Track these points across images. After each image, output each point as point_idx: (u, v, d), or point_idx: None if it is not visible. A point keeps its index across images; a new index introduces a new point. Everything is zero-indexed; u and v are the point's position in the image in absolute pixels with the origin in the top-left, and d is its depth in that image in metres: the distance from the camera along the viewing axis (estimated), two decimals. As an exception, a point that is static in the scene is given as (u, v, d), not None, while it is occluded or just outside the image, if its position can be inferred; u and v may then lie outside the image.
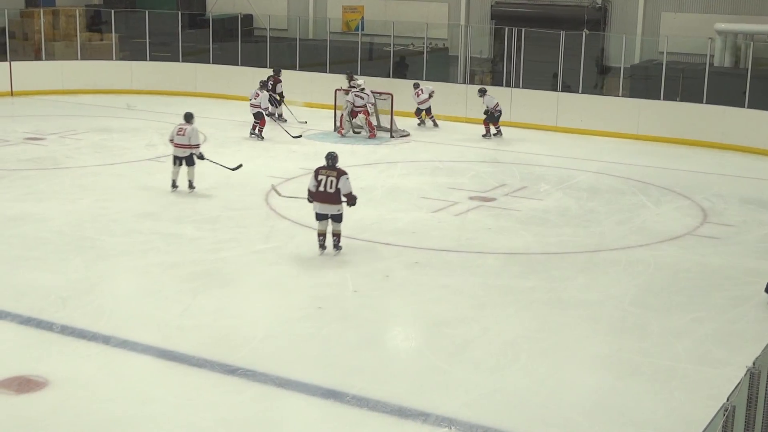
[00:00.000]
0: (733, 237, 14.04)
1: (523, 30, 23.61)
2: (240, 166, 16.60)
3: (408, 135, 21.74)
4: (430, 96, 22.80)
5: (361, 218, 14.41)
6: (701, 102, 21.67)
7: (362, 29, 27.62)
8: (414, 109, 23.03)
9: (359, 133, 21.55)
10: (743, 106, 21.05)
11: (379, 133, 21.69)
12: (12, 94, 25.64)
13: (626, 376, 9.11)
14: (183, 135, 15.68)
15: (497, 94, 23.66)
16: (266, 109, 21.19)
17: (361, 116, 21.50)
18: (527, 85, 23.85)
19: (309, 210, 14.69)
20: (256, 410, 8.24)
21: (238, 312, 10.59)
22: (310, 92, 24.57)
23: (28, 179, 16.49)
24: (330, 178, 12.50)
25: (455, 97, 24.05)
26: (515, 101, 23.40)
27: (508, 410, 8.32)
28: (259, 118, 20.98)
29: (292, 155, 19.27)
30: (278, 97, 23.09)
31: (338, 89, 22.35)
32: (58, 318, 10.07)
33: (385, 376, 8.97)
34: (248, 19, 29.05)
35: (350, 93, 21.45)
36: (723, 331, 10.33)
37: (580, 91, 23.17)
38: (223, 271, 11.86)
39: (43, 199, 15.06)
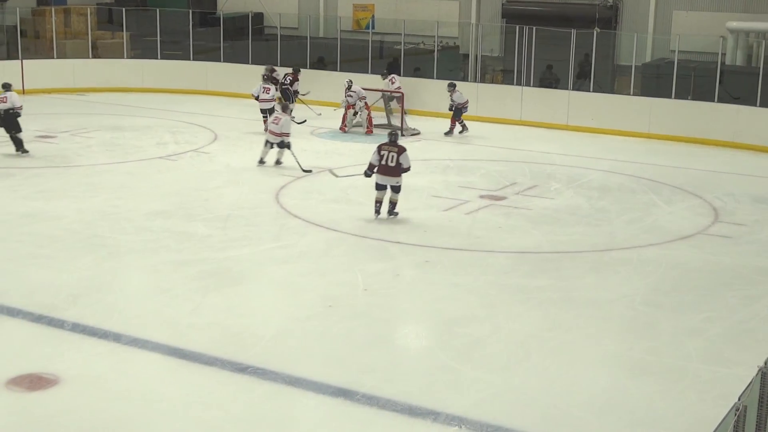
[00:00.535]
0: (745, 236, 13.99)
1: (534, 28, 23.57)
2: (310, 171, 17.10)
3: (419, 134, 21.73)
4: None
5: (371, 217, 14.41)
6: (713, 101, 21.60)
7: (373, 28, 27.62)
8: (449, 109, 21.93)
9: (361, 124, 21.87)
10: (755, 105, 20.99)
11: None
12: (24, 92, 25.67)
13: (637, 376, 9.08)
14: (277, 124, 17.45)
15: (508, 93, 23.70)
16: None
17: (363, 112, 21.70)
18: (538, 84, 23.82)
19: (319, 209, 14.77)
20: (266, 408, 8.25)
21: (248, 310, 10.60)
22: (320, 90, 24.54)
23: (39, 177, 16.53)
24: (392, 153, 14.11)
25: (466, 96, 23.97)
26: (526, 100, 23.38)
27: (519, 409, 8.31)
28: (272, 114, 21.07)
29: (302, 153, 19.23)
30: (296, 95, 23.37)
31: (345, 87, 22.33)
32: (69, 316, 10.09)
33: (395, 374, 8.97)
34: (259, 17, 29.08)
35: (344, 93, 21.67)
36: (734, 330, 10.29)
37: (591, 89, 23.12)
38: (234, 270, 11.87)
39: (54, 197, 15.10)
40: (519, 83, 23.94)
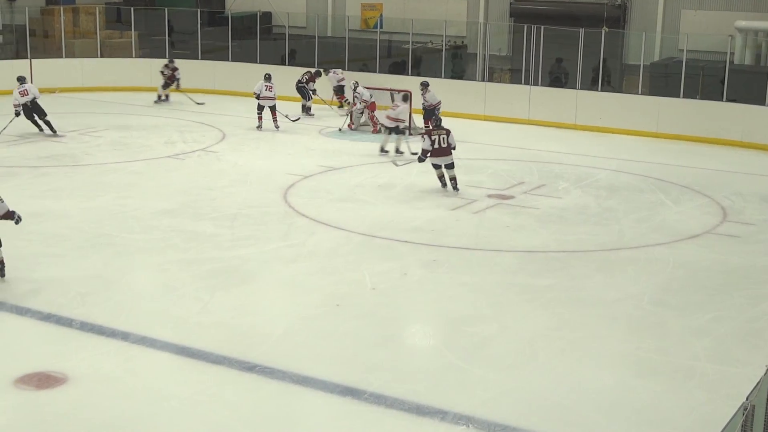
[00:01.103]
0: (753, 236, 13.95)
1: (542, 28, 23.55)
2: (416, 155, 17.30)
3: (426, 133, 21.70)
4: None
5: (379, 216, 14.43)
6: (721, 100, 21.55)
7: (381, 27, 27.62)
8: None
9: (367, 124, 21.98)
10: (763, 104, 20.93)
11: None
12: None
13: (645, 375, 9.07)
14: (395, 110, 18.88)
15: (516, 92, 23.68)
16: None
17: (366, 112, 21.81)
18: (546, 83, 23.80)
19: (327, 208, 14.78)
20: (274, 407, 8.25)
21: (256, 309, 10.61)
22: (327, 90, 24.55)
23: (47, 176, 16.58)
24: (442, 136, 15.88)
25: (474, 95, 24.03)
26: (534, 99, 23.36)
27: (526, 409, 8.30)
28: (273, 111, 21.46)
29: (310, 152, 19.30)
30: (312, 93, 23.73)
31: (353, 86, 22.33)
32: (77, 314, 10.11)
33: (402, 373, 8.96)
34: (267, 16, 29.10)
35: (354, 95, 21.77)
36: (742, 330, 10.27)
37: (600, 88, 23.08)
38: (242, 269, 11.88)
39: (63, 196, 15.13)
40: (527, 82, 23.92)
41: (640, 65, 23.00)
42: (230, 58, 27.39)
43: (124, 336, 9.60)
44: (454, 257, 12.60)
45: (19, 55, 27.02)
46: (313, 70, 24.36)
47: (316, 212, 14.50)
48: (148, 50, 28.33)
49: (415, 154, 17.53)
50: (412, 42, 25.64)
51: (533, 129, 22.75)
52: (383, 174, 17.45)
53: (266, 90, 21.40)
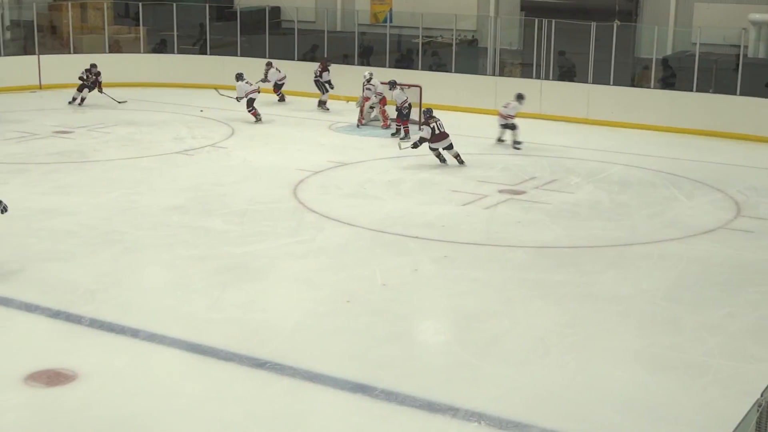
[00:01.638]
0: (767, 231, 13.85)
1: (554, 21, 23.43)
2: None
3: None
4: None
5: (389, 212, 14.37)
6: (734, 93, 21.40)
7: (390, 21, 27.52)
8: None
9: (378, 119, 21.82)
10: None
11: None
12: (41, 87, 25.77)
13: (658, 372, 9.00)
14: (507, 108, 19.75)
15: (527, 87, 23.48)
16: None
17: (377, 107, 21.68)
18: (557, 77, 23.68)
19: (337, 203, 14.73)
20: (284, 404, 8.21)
21: (266, 305, 10.57)
22: (337, 85, 24.47)
23: (56, 173, 16.55)
24: (439, 123, 17.63)
25: (484, 90, 23.91)
26: (545, 93, 23.25)
27: (538, 405, 8.24)
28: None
29: (320, 148, 19.24)
30: (327, 86, 23.65)
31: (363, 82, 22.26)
32: (87, 311, 10.08)
33: (414, 370, 8.91)
34: (276, 11, 29.01)
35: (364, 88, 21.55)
36: (757, 326, 10.18)
37: (612, 82, 22.95)
38: (252, 265, 11.83)
39: (72, 193, 15.11)
40: (538, 77, 23.81)
41: (652, 59, 22.86)
42: (239, 53, 27.32)
43: (134, 333, 9.57)
44: (465, 253, 12.53)
45: (27, 51, 26.99)
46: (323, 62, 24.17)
47: (326, 208, 14.44)
48: (156, 45, 28.29)
49: (519, 145, 19.25)
50: (422, 36, 25.54)
51: (545, 123, 22.63)
52: (393, 169, 17.39)
53: (250, 86, 21.92)
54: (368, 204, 14.83)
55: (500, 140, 20.01)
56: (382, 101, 21.56)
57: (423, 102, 21.73)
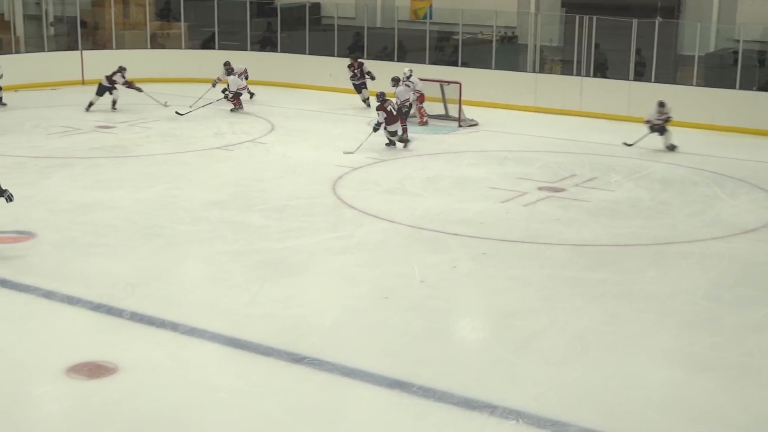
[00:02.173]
0: (811, 230, 13.69)
1: (595, 18, 23.27)
2: None
3: (476, 124, 21.58)
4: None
5: (428, 208, 14.36)
6: (778, 91, 21.17)
7: (430, 17, 27.48)
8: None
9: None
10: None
11: (447, 123, 21.65)
12: (83, 82, 26.02)
13: (697, 371, 8.92)
14: (657, 115, 19.01)
15: (567, 83, 23.41)
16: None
17: (415, 103, 21.55)
18: (598, 74, 23.53)
19: (375, 199, 14.74)
20: (322, 399, 8.23)
21: (305, 301, 10.60)
22: (376, 81, 24.45)
23: (98, 167, 16.71)
24: (392, 106, 18.57)
25: (525, 86, 23.83)
26: (585, 90, 23.11)
27: (577, 404, 8.19)
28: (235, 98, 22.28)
29: (357, 143, 19.23)
30: (367, 76, 23.53)
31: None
32: (128, 305, 10.17)
33: (451, 367, 8.90)
34: (316, 7, 29.08)
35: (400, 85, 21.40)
36: (799, 326, 10.07)
37: (653, 80, 22.76)
38: (290, 260, 11.88)
39: (113, 187, 15.24)
40: (579, 73, 23.66)
41: (694, 56, 22.64)
42: (279, 49, 27.42)
43: (174, 327, 9.64)
44: (503, 250, 12.50)
45: (70, 47, 27.29)
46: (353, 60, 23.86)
47: (365, 204, 14.46)
48: (198, 41, 28.47)
49: (673, 147, 18.79)
50: (462, 33, 25.47)
51: (585, 120, 22.50)
52: (432, 166, 17.38)
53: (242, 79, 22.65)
54: (407, 200, 14.83)
55: (671, 146, 18.93)
56: (420, 98, 21.51)
57: (462, 99, 21.72)
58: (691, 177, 16.88)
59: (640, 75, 23.09)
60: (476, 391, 8.31)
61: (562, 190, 15.68)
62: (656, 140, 19.07)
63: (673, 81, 23.55)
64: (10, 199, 11.68)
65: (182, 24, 28.29)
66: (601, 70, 23.85)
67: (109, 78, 22.24)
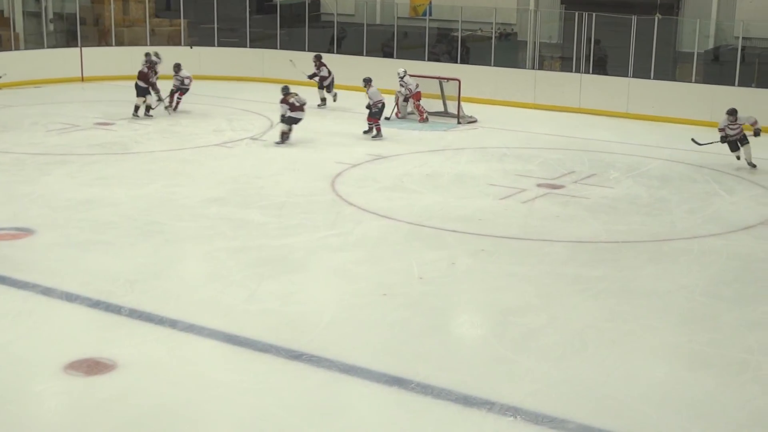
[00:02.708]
0: (810, 227, 13.70)
1: (594, 15, 23.27)
2: None
3: (475, 121, 21.58)
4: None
5: (427, 205, 14.36)
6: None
7: (430, 14, 27.46)
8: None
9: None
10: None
11: (446, 120, 21.65)
12: (83, 79, 26.02)
13: (697, 368, 8.93)
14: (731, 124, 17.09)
15: (566, 80, 23.40)
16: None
17: (411, 101, 21.67)
18: (597, 71, 23.52)
19: (374, 196, 14.73)
20: (320, 396, 8.23)
21: (303, 298, 10.60)
22: (375, 78, 24.42)
23: (97, 164, 16.70)
24: (296, 97, 18.58)
25: (524, 83, 23.84)
26: (585, 87, 23.10)
27: (575, 400, 8.20)
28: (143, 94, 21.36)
29: (358, 141, 19.25)
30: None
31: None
32: (126, 302, 10.17)
33: (450, 363, 8.90)
34: (315, 4, 29.09)
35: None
36: (798, 323, 10.07)
37: (652, 77, 22.76)
38: (289, 257, 11.88)
39: (112, 184, 15.23)
40: (578, 70, 23.65)
41: (693, 53, 22.64)
42: (279, 46, 27.40)
43: (173, 323, 9.64)
44: (502, 247, 12.50)
45: (69, 43, 27.29)
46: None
47: (364, 201, 14.46)
48: (197, 38, 28.45)
49: (753, 166, 17.18)
50: (462, 30, 25.46)
51: (584, 117, 22.51)
52: (432, 162, 17.38)
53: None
54: (406, 197, 14.83)
55: (752, 164, 17.37)
56: (416, 96, 21.50)
57: (462, 96, 21.71)
58: (689, 174, 16.88)
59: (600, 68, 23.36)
60: (474, 388, 8.32)
61: (561, 186, 15.68)
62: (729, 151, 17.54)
63: (672, 78, 23.55)
64: None
65: (182, 21, 28.27)
66: (601, 65, 23.83)
67: (145, 79, 21.36)
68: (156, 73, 21.49)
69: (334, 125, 20.98)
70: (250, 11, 27.94)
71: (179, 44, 27.90)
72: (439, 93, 22.46)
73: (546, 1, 26.84)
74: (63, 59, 26.13)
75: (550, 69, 24.90)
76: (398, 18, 26.64)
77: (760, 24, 22.71)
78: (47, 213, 13.54)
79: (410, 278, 11.24)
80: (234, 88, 25.22)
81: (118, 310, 9.99)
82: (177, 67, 21.59)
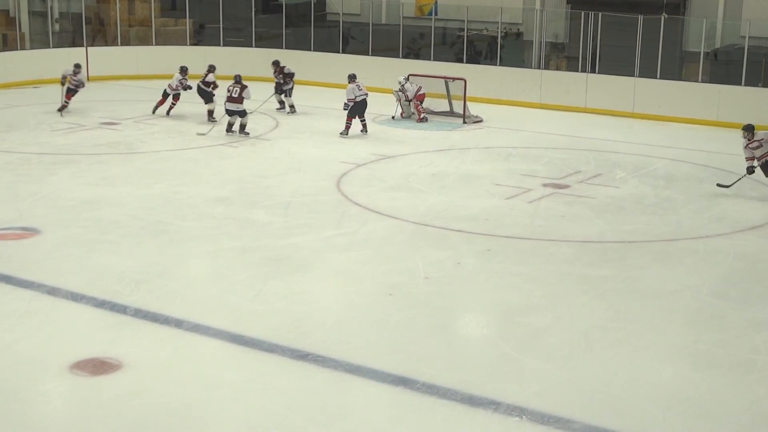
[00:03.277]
0: (817, 226, 13.65)
1: (600, 14, 23.24)
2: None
3: (481, 121, 21.57)
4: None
5: (432, 205, 14.34)
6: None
7: (435, 14, 27.45)
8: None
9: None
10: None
11: (452, 119, 21.63)
12: (88, 79, 25.97)
13: (703, 368, 8.90)
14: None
15: (572, 80, 23.37)
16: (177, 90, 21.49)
17: (411, 103, 21.73)
18: (603, 71, 23.48)
19: (380, 196, 14.74)
20: (326, 395, 8.22)
21: (309, 298, 10.59)
22: (381, 77, 24.45)
23: (103, 164, 16.71)
24: (236, 88, 18.98)
25: (530, 83, 23.83)
26: (591, 87, 23.07)
27: (581, 401, 8.18)
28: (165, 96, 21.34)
29: (364, 141, 19.24)
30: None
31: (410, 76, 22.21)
32: (132, 301, 10.17)
33: (455, 363, 8.89)
34: (321, 3, 29.09)
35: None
36: (805, 323, 10.03)
37: (658, 76, 22.72)
38: (295, 257, 11.87)
39: (118, 184, 15.24)
40: (584, 70, 23.62)
41: (700, 52, 22.59)
42: (284, 46, 27.41)
43: (178, 323, 9.64)
44: (508, 247, 12.48)
45: (75, 43, 27.31)
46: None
47: (369, 201, 14.45)
48: (203, 38, 28.47)
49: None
50: (468, 29, 25.45)
51: (590, 117, 22.49)
52: (437, 162, 17.36)
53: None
54: (411, 197, 14.81)
55: None
56: (419, 97, 21.48)
57: (467, 96, 21.69)
58: (695, 174, 16.84)
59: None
60: (480, 388, 8.30)
61: (566, 186, 15.65)
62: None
63: (678, 77, 23.52)
64: None
65: (187, 20, 28.29)
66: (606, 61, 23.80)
67: (205, 83, 21.24)
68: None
69: (339, 125, 20.93)
70: (255, 11, 27.94)
71: (185, 44, 27.93)
72: (445, 93, 22.45)
73: (552, 0, 26.81)
74: (68, 59, 26.04)
75: (556, 68, 24.89)
76: (404, 18, 26.62)
77: (767, 23, 22.65)
78: (53, 212, 13.55)
79: (416, 278, 11.23)
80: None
81: (123, 309, 9.99)
82: (184, 71, 21.53)
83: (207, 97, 20.95)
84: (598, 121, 22.03)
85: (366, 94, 19.70)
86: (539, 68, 24.53)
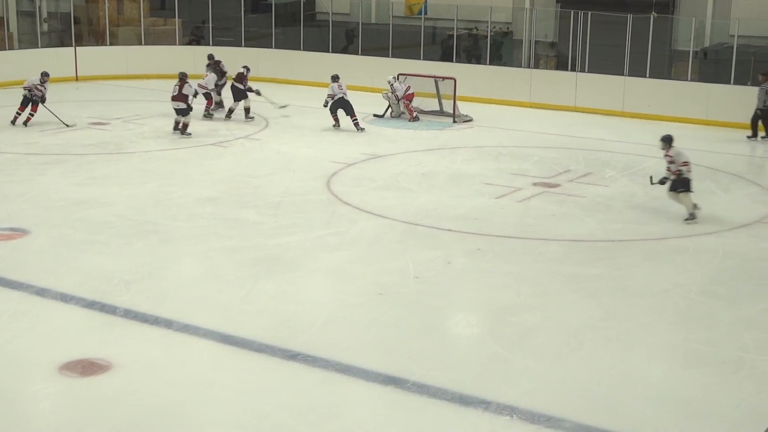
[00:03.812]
0: (805, 225, 13.69)
1: (590, 13, 23.27)
2: None
3: (471, 120, 21.58)
4: None
5: (422, 204, 14.35)
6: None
7: (425, 13, 27.44)
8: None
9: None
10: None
11: (441, 119, 21.64)
12: (77, 79, 25.97)
13: (693, 366, 8.93)
14: None
15: (562, 79, 23.39)
16: (213, 90, 21.54)
17: (401, 103, 21.70)
18: (593, 70, 23.51)
19: (370, 196, 14.73)
20: (316, 395, 8.21)
21: (299, 297, 10.58)
22: (371, 77, 24.44)
23: (92, 164, 16.67)
24: (177, 86, 18.78)
25: (520, 82, 23.83)
26: (580, 86, 23.10)
27: (571, 399, 8.19)
28: (207, 98, 21.25)
29: (353, 140, 19.24)
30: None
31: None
32: (122, 302, 10.14)
33: (446, 363, 8.89)
34: (310, 3, 29.06)
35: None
36: (794, 321, 10.06)
37: (648, 75, 22.76)
38: (285, 257, 11.86)
39: (107, 184, 15.21)
40: (573, 69, 23.65)
41: (689, 51, 22.63)
42: (273, 45, 27.38)
43: (168, 323, 9.62)
44: (498, 246, 12.48)
45: (63, 43, 27.25)
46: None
47: (359, 200, 14.44)
48: (192, 38, 28.41)
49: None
50: (457, 28, 25.45)
51: (580, 116, 22.51)
52: (427, 162, 17.36)
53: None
54: (401, 196, 14.81)
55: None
56: (408, 97, 21.49)
57: (457, 95, 21.70)
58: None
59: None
60: (470, 387, 8.31)
61: (556, 185, 15.67)
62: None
63: (668, 76, 23.56)
64: None
65: (176, 20, 28.23)
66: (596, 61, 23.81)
67: (240, 82, 21.17)
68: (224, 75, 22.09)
69: (329, 125, 20.92)
70: (244, 10, 27.89)
71: (174, 44, 27.87)
72: (435, 92, 22.45)
73: (541, -1, 26.85)
74: (57, 59, 26.04)
75: (546, 68, 24.90)
76: (393, 17, 26.61)
77: (756, 22, 22.72)
78: (42, 213, 13.51)
79: (406, 277, 11.23)
80: (229, 87, 25.08)
81: (113, 310, 9.96)
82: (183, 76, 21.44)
83: (241, 94, 21.00)
84: (587, 120, 22.05)
85: (345, 93, 19.93)
86: (529, 67, 24.54)
